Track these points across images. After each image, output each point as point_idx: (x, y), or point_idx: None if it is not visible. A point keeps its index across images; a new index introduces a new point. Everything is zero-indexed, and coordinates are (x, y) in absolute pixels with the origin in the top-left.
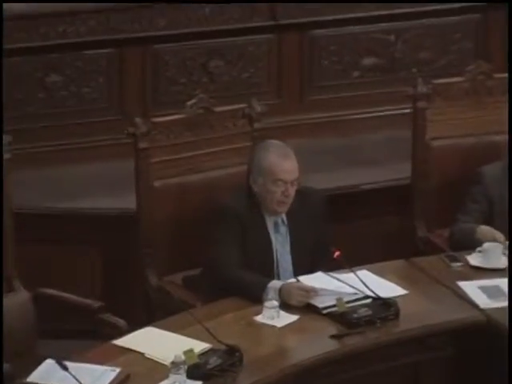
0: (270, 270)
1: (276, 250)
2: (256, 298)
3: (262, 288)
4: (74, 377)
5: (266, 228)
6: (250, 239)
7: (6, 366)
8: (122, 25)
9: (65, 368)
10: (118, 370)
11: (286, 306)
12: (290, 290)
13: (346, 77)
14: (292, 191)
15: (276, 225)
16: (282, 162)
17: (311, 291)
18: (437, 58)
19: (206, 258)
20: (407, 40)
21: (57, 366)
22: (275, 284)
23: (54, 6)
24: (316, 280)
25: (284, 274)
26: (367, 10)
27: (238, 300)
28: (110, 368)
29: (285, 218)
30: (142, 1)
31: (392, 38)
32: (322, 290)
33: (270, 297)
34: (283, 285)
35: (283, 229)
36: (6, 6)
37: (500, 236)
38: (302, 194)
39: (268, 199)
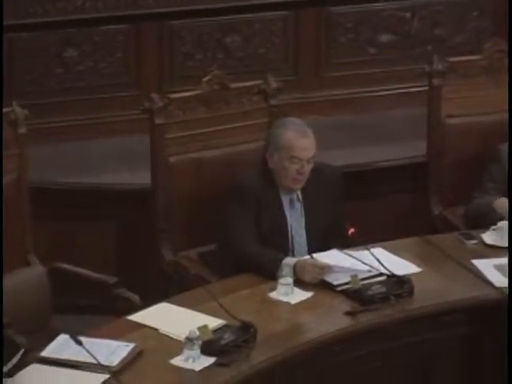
0: (284, 247)
1: (291, 227)
2: (270, 275)
3: (277, 264)
4: (88, 351)
5: (281, 205)
6: (265, 216)
7: (21, 340)
8: (139, 0)
9: (79, 343)
10: (132, 345)
11: (300, 282)
12: (304, 267)
13: (363, 54)
14: (307, 169)
15: (291, 201)
16: (299, 140)
17: (326, 268)
18: (453, 36)
19: (221, 234)
20: (423, 17)
21: (71, 341)
22: (290, 261)
23: None
24: (330, 257)
25: (299, 251)
26: None
27: (253, 276)
28: (124, 343)
29: (300, 195)
30: None
31: (408, 15)
32: (336, 266)
33: (284, 273)
34: (298, 261)
35: (298, 205)
36: None
37: None
38: (318, 170)
39: (283, 175)
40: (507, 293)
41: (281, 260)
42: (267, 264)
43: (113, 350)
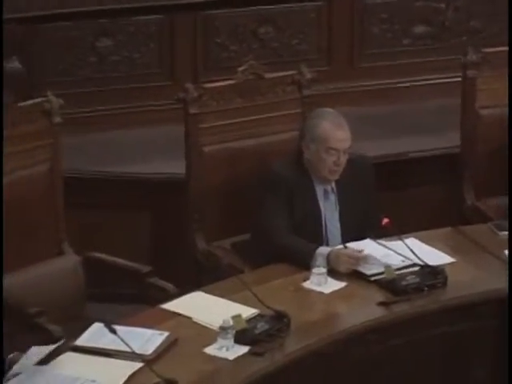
0: (318, 237)
1: (325, 217)
2: (304, 264)
3: (311, 254)
4: (123, 340)
5: (315, 195)
6: (300, 206)
7: (55, 329)
8: None
9: (113, 331)
10: (166, 333)
11: (333, 272)
12: (338, 257)
13: (396, 44)
14: (343, 160)
15: (325, 192)
16: (336, 131)
17: (360, 258)
18: (488, 27)
19: (255, 224)
20: (458, 8)
21: (105, 330)
22: (323, 250)
23: None
24: (364, 247)
25: (333, 241)
26: None
27: (287, 266)
28: (158, 332)
29: (334, 186)
30: None
31: (443, 5)
32: (370, 256)
33: (318, 263)
34: (331, 251)
35: (332, 196)
36: None
37: None
38: (352, 161)
39: (319, 166)
40: None
41: (314, 250)
42: (301, 254)
43: (147, 339)
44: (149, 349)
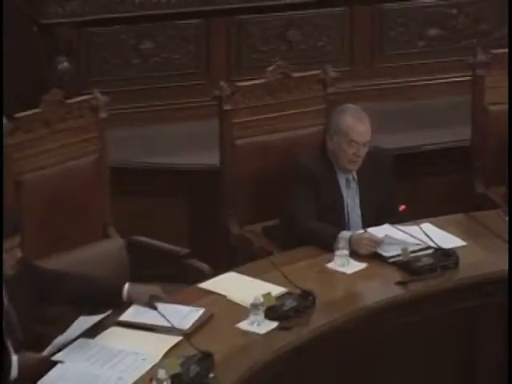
0: (341, 222)
1: (347, 204)
2: (328, 247)
3: (334, 238)
4: (163, 316)
5: (338, 184)
6: (324, 194)
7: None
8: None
9: (154, 308)
10: (202, 310)
11: (355, 254)
12: (359, 240)
13: (412, 46)
14: (363, 152)
15: (347, 181)
16: (357, 125)
17: (378, 242)
18: (496, 30)
19: (284, 210)
20: (468, 13)
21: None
22: (346, 234)
23: None
24: (383, 231)
25: (354, 226)
26: None
27: (312, 248)
28: (195, 308)
29: (355, 175)
30: None
31: (455, 11)
32: (388, 238)
33: (340, 246)
34: (353, 235)
35: (354, 185)
36: None
37: None
38: (372, 153)
39: (341, 157)
40: None
41: (337, 234)
42: (325, 237)
43: (185, 315)
44: (187, 324)
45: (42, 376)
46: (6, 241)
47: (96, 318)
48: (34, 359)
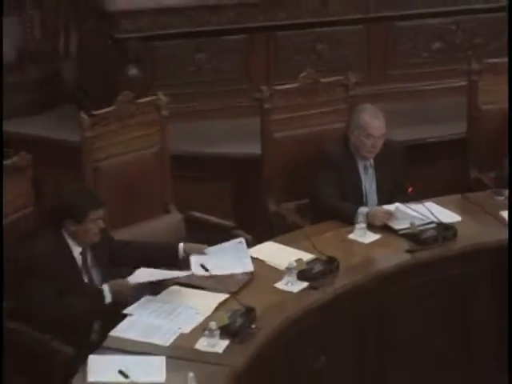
0: (360, 201)
1: (365, 187)
2: (348, 221)
3: (354, 213)
4: (215, 277)
5: (357, 170)
6: (346, 178)
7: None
8: (251, 17)
9: (206, 270)
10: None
11: (371, 227)
12: (375, 213)
13: (419, 57)
14: (379, 143)
15: (365, 167)
16: (374, 121)
17: (391, 214)
18: (488, 44)
19: (312, 191)
20: (465, 29)
21: (201, 268)
22: (363, 210)
23: (200, 1)
24: (395, 208)
25: (371, 205)
26: (433, 7)
27: (336, 222)
28: (238, 272)
29: (372, 163)
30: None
31: (454, 27)
32: (398, 215)
33: (359, 220)
34: (370, 209)
35: (371, 171)
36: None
37: None
38: (386, 145)
39: (360, 148)
40: None
41: (356, 209)
42: (346, 212)
43: (230, 276)
44: (232, 284)
45: (127, 300)
46: (93, 212)
47: (166, 274)
48: (122, 285)
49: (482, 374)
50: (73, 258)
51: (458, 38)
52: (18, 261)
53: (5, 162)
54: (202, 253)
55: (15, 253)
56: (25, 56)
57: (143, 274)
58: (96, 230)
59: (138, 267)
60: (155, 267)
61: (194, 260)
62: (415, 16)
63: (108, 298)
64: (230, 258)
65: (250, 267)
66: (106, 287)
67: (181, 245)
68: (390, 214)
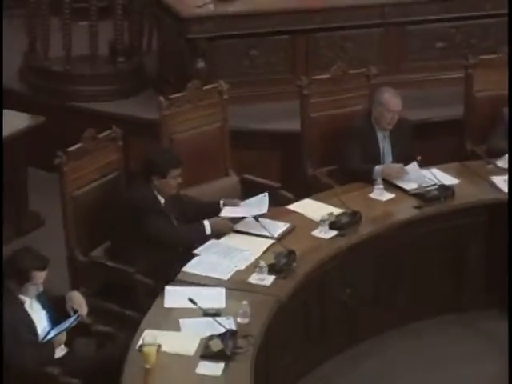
0: (378, 164)
1: (383, 153)
2: (368, 177)
3: (372, 170)
4: (263, 226)
5: (377, 139)
6: (368, 145)
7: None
8: (294, 21)
9: (257, 220)
10: (288, 224)
11: (388, 188)
12: (390, 167)
13: (425, 54)
14: (395, 118)
15: (384, 137)
16: (393, 99)
17: (403, 168)
18: (481, 43)
19: (341, 157)
20: (463, 31)
21: (252, 219)
22: (378, 168)
23: (253, 9)
24: (409, 169)
25: None
26: (437, 14)
27: (359, 184)
28: (283, 222)
29: (388, 134)
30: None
31: (453, 30)
32: (412, 172)
33: (378, 182)
34: (384, 166)
35: (387, 140)
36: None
37: None
38: (400, 121)
39: (382, 121)
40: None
41: (373, 167)
42: (367, 170)
43: (277, 227)
44: (278, 232)
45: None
46: (173, 170)
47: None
48: (219, 221)
49: (472, 302)
50: (161, 206)
51: (456, 39)
52: (127, 202)
53: (101, 135)
54: (235, 204)
55: (120, 199)
56: (116, 52)
57: (230, 212)
58: (175, 184)
59: (193, 217)
60: (207, 217)
61: (227, 209)
62: (422, 21)
63: (208, 231)
64: (251, 207)
65: (264, 210)
66: (207, 222)
67: (221, 201)
68: (402, 169)
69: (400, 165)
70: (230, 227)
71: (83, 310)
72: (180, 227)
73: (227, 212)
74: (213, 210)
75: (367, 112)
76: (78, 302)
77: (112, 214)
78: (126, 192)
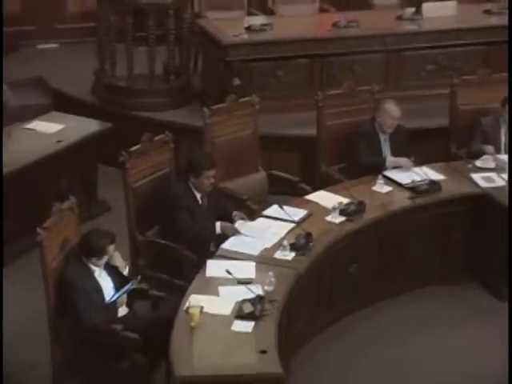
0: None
1: (384, 152)
2: (380, 166)
3: (384, 161)
4: (286, 213)
5: (379, 140)
6: (372, 146)
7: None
8: (311, 47)
9: (281, 207)
10: (306, 211)
11: (386, 183)
12: (401, 162)
13: (418, 75)
14: (395, 124)
15: (385, 139)
16: (394, 108)
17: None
18: (464, 66)
19: (351, 156)
20: (448, 57)
21: (278, 207)
22: (391, 158)
23: (279, 38)
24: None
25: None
26: (428, 43)
27: (365, 179)
28: (302, 210)
29: (388, 137)
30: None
31: (441, 56)
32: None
33: (379, 179)
34: (396, 158)
35: (387, 142)
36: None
37: (489, 149)
38: (398, 127)
39: (384, 126)
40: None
41: (385, 159)
42: (378, 161)
43: (297, 213)
44: (298, 217)
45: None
46: (207, 171)
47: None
48: (227, 226)
49: (456, 275)
50: (196, 200)
51: (443, 63)
52: (165, 198)
53: (156, 138)
54: (242, 218)
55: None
56: (169, 72)
57: (242, 226)
58: (208, 183)
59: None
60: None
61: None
62: (416, 48)
63: (218, 231)
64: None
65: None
66: (218, 224)
67: (234, 212)
68: (409, 162)
69: (407, 159)
70: (234, 232)
71: (120, 263)
72: (197, 224)
73: (240, 226)
74: (237, 205)
75: (372, 119)
76: (116, 258)
77: (161, 203)
78: (169, 186)
